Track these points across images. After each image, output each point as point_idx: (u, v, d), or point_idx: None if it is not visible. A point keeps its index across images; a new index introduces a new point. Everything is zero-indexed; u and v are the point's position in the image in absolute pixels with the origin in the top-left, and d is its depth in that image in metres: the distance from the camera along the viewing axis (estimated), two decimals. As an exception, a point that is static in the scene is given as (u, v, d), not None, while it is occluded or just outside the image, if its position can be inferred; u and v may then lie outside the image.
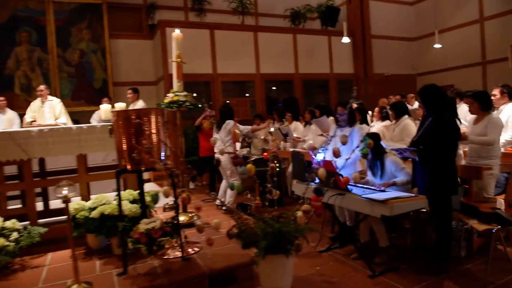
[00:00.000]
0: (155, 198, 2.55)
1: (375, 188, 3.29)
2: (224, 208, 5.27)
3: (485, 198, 3.42)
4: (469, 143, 3.77)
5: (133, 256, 2.74)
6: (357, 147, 3.58)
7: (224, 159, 5.12)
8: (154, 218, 2.49)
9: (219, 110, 5.28)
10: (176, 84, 3.68)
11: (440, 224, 3.06)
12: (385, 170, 3.52)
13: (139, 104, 6.71)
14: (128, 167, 2.48)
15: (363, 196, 2.94)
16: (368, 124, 5.41)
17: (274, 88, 10.98)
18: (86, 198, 3.26)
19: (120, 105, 3.83)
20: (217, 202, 5.43)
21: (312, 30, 10.61)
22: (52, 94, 7.08)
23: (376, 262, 3.36)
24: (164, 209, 4.30)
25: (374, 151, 3.45)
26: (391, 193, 2.96)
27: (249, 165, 2.33)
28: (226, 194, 5.24)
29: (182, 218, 3.60)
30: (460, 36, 10.64)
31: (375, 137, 3.52)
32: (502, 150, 4.25)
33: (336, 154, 2.85)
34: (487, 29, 10.10)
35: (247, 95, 10.15)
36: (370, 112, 6.78)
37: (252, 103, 9.98)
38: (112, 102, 8.88)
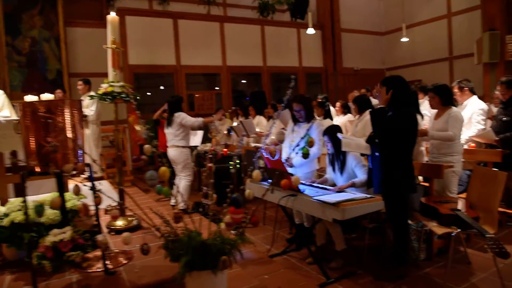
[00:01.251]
0: (38, 210, 2.15)
1: (331, 188, 3.04)
2: (179, 207, 4.98)
3: (447, 197, 3.24)
4: (429, 139, 3.58)
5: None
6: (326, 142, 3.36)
7: (174, 153, 4.78)
8: (67, 228, 2.12)
9: (167, 101, 4.89)
10: (111, 73, 3.29)
11: (396, 226, 2.85)
12: (346, 165, 3.28)
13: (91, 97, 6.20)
14: (37, 168, 2.11)
15: (314, 198, 2.67)
16: (331, 119, 5.18)
17: (244, 81, 10.69)
18: (4, 202, 2.85)
19: (46, 96, 3.39)
20: (172, 201, 5.10)
21: (280, 22, 10.32)
22: (0, 85, 6.51)
23: (332, 267, 3.14)
24: (106, 212, 3.93)
25: (335, 143, 3.21)
26: (345, 195, 2.71)
27: (162, 169, 1.98)
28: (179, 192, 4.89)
29: (120, 223, 3.24)
30: (428, 31, 10.62)
31: (336, 130, 3.28)
32: (465, 146, 4.11)
33: (272, 154, 2.57)
34: (454, 24, 10.11)
35: (217, 88, 9.76)
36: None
37: (219, 97, 9.63)
38: (66, 94, 8.32)
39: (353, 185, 3.11)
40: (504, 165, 3.81)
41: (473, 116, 4.19)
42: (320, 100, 6.57)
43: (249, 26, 9.85)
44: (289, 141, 3.80)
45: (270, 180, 3.30)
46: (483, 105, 4.19)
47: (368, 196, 2.69)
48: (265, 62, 10.09)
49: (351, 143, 2.85)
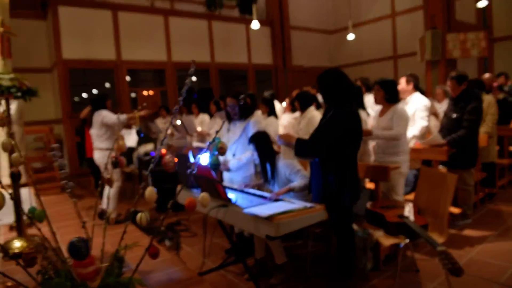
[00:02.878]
0: None
1: (267, 195, 2.70)
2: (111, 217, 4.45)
3: (393, 201, 3.02)
4: (374, 138, 3.36)
5: None
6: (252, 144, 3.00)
7: (98, 156, 4.24)
8: None
9: (90, 99, 4.34)
10: None
11: (339, 237, 2.56)
12: (279, 175, 2.95)
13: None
14: None
15: (245, 210, 2.31)
16: (276, 117, 4.88)
17: (196, 78, 10.16)
18: None
19: None
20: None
21: (228, 18, 9.93)
22: None
23: (271, 284, 2.80)
24: (11, 228, 3.34)
25: (261, 153, 2.86)
26: (281, 205, 2.38)
27: None
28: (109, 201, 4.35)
29: (18, 244, 2.69)
30: (374, 31, 10.75)
31: (262, 137, 2.94)
32: (411, 145, 3.96)
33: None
34: (398, 24, 10.30)
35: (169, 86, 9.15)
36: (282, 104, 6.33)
37: (164, 94, 9.05)
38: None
39: (291, 190, 2.79)
40: (450, 164, 3.70)
41: (416, 112, 4.06)
42: (265, 97, 6.27)
43: (195, 20, 9.36)
44: (225, 142, 3.42)
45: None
46: (426, 101, 4.08)
47: (308, 205, 2.37)
48: (213, 58, 9.66)
49: (290, 152, 2.53)
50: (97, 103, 4.32)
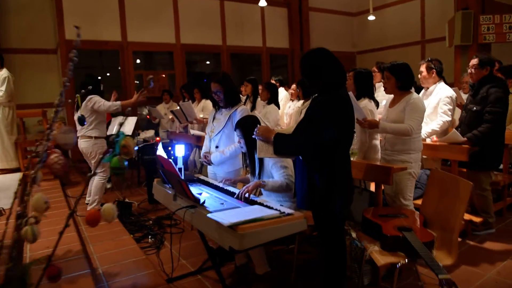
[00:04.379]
0: None
1: (238, 194, 2.29)
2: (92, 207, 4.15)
3: (397, 208, 2.54)
4: (381, 131, 2.87)
5: None
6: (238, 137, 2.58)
7: (85, 145, 3.93)
8: None
9: (81, 82, 4.01)
10: None
11: (328, 247, 2.13)
12: (264, 167, 2.53)
13: (1, 75, 5.25)
14: None
15: (209, 215, 1.91)
16: (278, 105, 4.43)
17: (208, 62, 9.80)
18: None
19: None
20: (87, 198, 4.27)
21: (242, -2, 9.40)
22: None
23: (248, 297, 2.42)
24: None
25: (248, 141, 2.42)
26: (254, 211, 1.96)
27: None
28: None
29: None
30: (400, 13, 9.97)
31: (250, 122, 2.51)
32: (428, 140, 3.43)
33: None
34: (427, 6, 9.48)
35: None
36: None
37: (172, 77, 8.71)
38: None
39: (261, 186, 2.37)
40: (471, 164, 3.17)
41: (440, 104, 3.51)
42: (273, 81, 5.82)
43: (206, 1, 8.88)
44: (209, 132, 3.03)
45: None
46: (450, 92, 3.52)
47: (285, 212, 1.94)
48: (225, 41, 9.19)
49: (268, 148, 2.07)
50: (87, 86, 3.99)
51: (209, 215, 1.91)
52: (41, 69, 8.04)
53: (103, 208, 1.28)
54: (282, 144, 2.01)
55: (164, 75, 8.59)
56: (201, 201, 2.13)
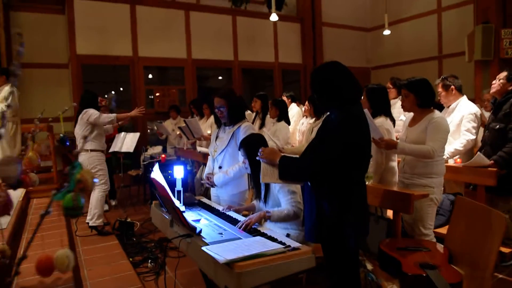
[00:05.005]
0: None
1: (240, 224, 2.06)
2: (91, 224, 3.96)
3: (417, 240, 2.28)
4: (399, 152, 2.62)
5: None
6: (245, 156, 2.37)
7: (83, 158, 3.83)
8: None
9: (80, 97, 3.97)
10: None
11: (338, 286, 1.87)
12: (270, 191, 2.30)
13: (6, 90, 5.18)
14: None
15: (204, 247, 1.69)
16: (288, 122, 4.22)
17: (214, 77, 9.68)
18: None
19: None
20: (87, 217, 4.10)
21: (255, 13, 9.32)
22: None
23: None
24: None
25: (253, 161, 2.20)
26: (256, 244, 1.72)
27: None
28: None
29: None
30: (416, 28, 9.75)
31: (255, 140, 2.30)
32: (451, 161, 3.16)
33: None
34: (444, 20, 9.23)
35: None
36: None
37: (182, 92, 8.61)
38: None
39: (267, 218, 2.13)
40: (499, 189, 2.88)
41: (463, 122, 3.26)
42: (284, 97, 5.63)
43: (218, 16, 8.84)
44: (212, 151, 2.83)
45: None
46: (474, 109, 3.26)
47: (290, 246, 1.71)
48: (237, 56, 9.09)
49: (273, 172, 1.85)
50: (85, 101, 3.94)
51: (204, 248, 1.69)
52: (52, 83, 8.05)
53: (57, 255, 1.08)
54: (287, 168, 1.79)
55: (174, 90, 8.48)
56: (198, 230, 1.91)
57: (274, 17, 5.76)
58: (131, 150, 4.86)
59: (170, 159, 5.34)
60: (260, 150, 1.92)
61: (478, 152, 2.99)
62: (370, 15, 10.85)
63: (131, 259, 3.42)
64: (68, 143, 3.03)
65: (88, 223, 3.96)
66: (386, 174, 2.82)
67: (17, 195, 4.59)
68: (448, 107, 3.34)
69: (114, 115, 3.85)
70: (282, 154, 1.85)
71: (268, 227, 2.19)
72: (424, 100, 2.60)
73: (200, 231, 1.91)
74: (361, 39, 11.02)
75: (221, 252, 1.61)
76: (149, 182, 4.68)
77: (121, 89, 8.51)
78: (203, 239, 1.85)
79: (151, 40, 8.04)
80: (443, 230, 2.67)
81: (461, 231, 1.99)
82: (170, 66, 8.61)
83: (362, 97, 2.92)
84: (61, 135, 2.95)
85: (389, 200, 2.27)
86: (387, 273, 1.96)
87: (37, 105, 7.57)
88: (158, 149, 6.22)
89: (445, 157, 3.04)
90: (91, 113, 3.81)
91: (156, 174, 2.18)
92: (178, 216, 1.97)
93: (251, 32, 9.24)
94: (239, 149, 2.36)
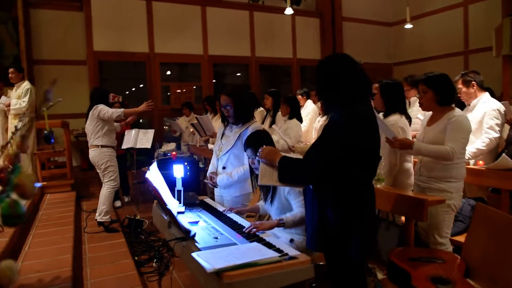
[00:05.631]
0: None
1: (247, 229, 1.94)
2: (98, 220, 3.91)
3: (431, 249, 2.10)
4: (415, 153, 2.44)
5: None
6: (249, 157, 2.25)
7: (93, 154, 3.84)
8: None
9: (90, 94, 3.96)
10: None
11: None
12: (277, 191, 2.17)
13: (23, 86, 5.25)
14: None
15: (193, 253, 1.58)
16: (301, 119, 4.06)
17: (237, 74, 9.59)
18: None
19: None
20: (97, 214, 4.06)
21: (272, 8, 9.15)
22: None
23: None
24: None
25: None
26: (251, 251, 1.59)
27: None
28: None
29: None
30: (441, 22, 9.34)
31: (262, 138, 2.17)
32: (471, 163, 2.94)
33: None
34: (471, 14, 8.79)
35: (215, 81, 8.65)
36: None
37: (199, 89, 8.56)
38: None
39: (281, 224, 1.99)
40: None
41: (485, 120, 3.02)
42: (298, 95, 5.47)
43: (235, 11, 8.71)
44: (216, 150, 2.71)
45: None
46: (497, 105, 3.03)
47: (288, 254, 1.57)
48: (254, 52, 8.96)
49: (273, 174, 1.71)
50: (95, 98, 3.93)
51: (194, 254, 1.58)
52: (71, 80, 8.14)
53: (1, 266, 0.98)
54: (287, 170, 1.65)
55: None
56: (192, 233, 1.80)
57: (289, 10, 5.60)
58: (149, 146, 4.84)
59: (182, 156, 5.27)
60: (259, 149, 1.79)
61: (504, 154, 2.76)
62: (392, 9, 10.49)
63: (136, 258, 3.36)
64: (52, 141, 2.96)
65: (96, 219, 3.93)
66: (400, 176, 2.63)
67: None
68: (469, 104, 3.11)
69: (121, 110, 3.80)
70: (283, 155, 1.72)
71: (272, 231, 2.06)
72: (444, 97, 2.40)
73: (194, 235, 1.80)
74: (383, 34, 10.66)
75: (211, 259, 1.50)
76: (164, 177, 4.61)
77: (141, 85, 8.54)
78: (196, 243, 1.74)
79: (167, 36, 8.02)
80: (462, 238, 2.47)
81: (481, 242, 1.80)
82: (187, 63, 8.57)
83: (376, 93, 2.75)
84: (46, 132, 2.88)
85: (401, 206, 2.10)
86: (396, 286, 1.80)
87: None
88: (172, 146, 6.18)
89: (466, 157, 2.83)
90: (101, 109, 3.79)
91: (153, 173, 2.09)
92: (172, 217, 1.87)
93: (269, 27, 9.08)
94: (245, 150, 2.23)
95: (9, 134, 5.27)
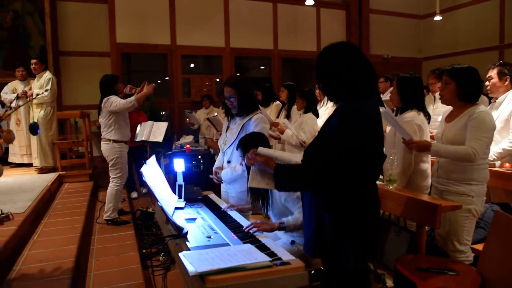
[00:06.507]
0: None
1: (247, 227, 1.84)
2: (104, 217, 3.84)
3: (443, 261, 1.92)
4: (433, 154, 2.25)
5: None
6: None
7: (104, 148, 3.78)
8: None
9: (100, 83, 3.85)
10: None
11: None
12: (273, 199, 2.05)
13: (45, 76, 5.34)
14: None
15: (180, 254, 1.49)
16: (317, 114, 3.90)
17: (261, 67, 9.48)
18: None
19: None
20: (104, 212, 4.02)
21: (297, 0, 8.93)
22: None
23: None
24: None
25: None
26: (242, 254, 1.49)
27: None
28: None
29: None
30: (474, 14, 8.85)
31: (255, 140, 2.05)
32: (497, 165, 2.72)
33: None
34: (508, 5, 8.27)
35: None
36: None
37: (220, 82, 8.49)
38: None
39: (281, 229, 1.88)
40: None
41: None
42: (318, 89, 5.27)
43: (258, 3, 8.57)
44: (221, 144, 2.62)
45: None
46: (526, 102, 2.78)
47: (280, 259, 1.46)
48: (276, 45, 8.80)
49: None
50: (104, 88, 3.80)
51: (180, 254, 1.49)
52: (95, 71, 8.25)
53: None
54: (282, 179, 1.53)
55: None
56: (184, 231, 1.72)
57: (310, 1, 5.40)
58: (160, 140, 4.75)
59: (197, 149, 5.22)
60: (249, 153, 1.67)
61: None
62: (423, 0, 10.02)
63: (144, 251, 3.34)
64: (38, 131, 2.92)
65: (104, 218, 3.88)
66: (415, 177, 2.45)
67: (47, 178, 4.72)
68: (495, 100, 2.87)
69: (133, 98, 3.67)
70: (276, 163, 1.59)
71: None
72: (466, 92, 2.21)
73: (186, 233, 1.72)
74: (412, 27, 10.22)
75: (197, 261, 1.40)
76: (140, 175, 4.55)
77: (167, 78, 8.56)
78: (186, 242, 1.65)
79: (189, 29, 7.99)
80: (479, 247, 2.28)
81: (499, 253, 1.62)
82: (208, 55, 8.52)
83: (392, 88, 2.57)
84: (31, 122, 2.85)
85: (413, 210, 1.93)
86: (402, 297, 1.65)
87: (81, 93, 7.85)
88: (189, 138, 6.15)
89: (491, 158, 2.61)
90: (112, 101, 3.67)
91: (150, 167, 2.02)
92: (165, 215, 1.79)
93: (293, 19, 8.88)
94: (237, 149, 2.13)
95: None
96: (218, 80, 8.59)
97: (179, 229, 1.72)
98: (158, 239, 3.68)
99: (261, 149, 1.76)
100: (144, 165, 2.06)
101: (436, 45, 9.84)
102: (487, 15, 8.56)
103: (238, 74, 8.61)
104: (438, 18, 7.49)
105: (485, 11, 8.60)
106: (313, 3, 5.70)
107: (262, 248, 1.60)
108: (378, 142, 1.48)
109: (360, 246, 1.45)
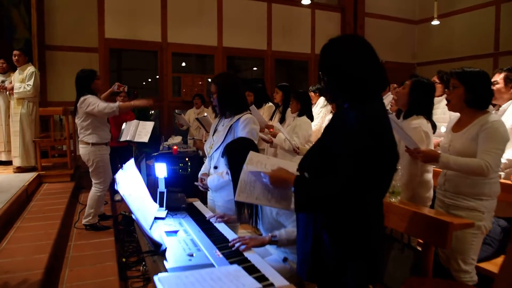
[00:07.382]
0: None
1: (233, 242, 1.63)
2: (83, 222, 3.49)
3: (450, 284, 1.73)
4: (441, 166, 2.07)
5: None
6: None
7: (82, 151, 3.49)
8: None
9: (75, 78, 3.59)
10: None
11: None
12: (264, 214, 1.85)
13: (28, 70, 5.06)
14: None
15: (156, 276, 1.28)
16: (311, 117, 3.71)
17: (255, 68, 9.29)
18: None
19: None
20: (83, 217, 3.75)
21: (292, 1, 8.77)
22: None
23: None
24: None
25: (236, 173, 1.74)
26: (223, 277, 1.28)
27: None
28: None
29: None
30: (470, 21, 8.79)
31: (241, 147, 1.84)
32: (502, 175, 2.56)
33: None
34: (503, 13, 8.22)
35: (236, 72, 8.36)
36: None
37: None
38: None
39: (273, 243, 1.67)
40: None
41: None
42: (311, 92, 5.11)
43: (253, 2, 8.38)
44: (207, 148, 2.41)
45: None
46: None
47: (273, 285, 1.25)
48: (270, 45, 8.61)
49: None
50: (81, 85, 3.51)
51: (155, 277, 1.28)
52: (82, 67, 7.97)
53: None
54: (307, 197, 1.27)
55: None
56: (162, 247, 1.50)
57: (306, 0, 5.22)
58: (146, 140, 4.49)
59: (185, 150, 4.99)
60: (262, 173, 1.42)
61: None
62: (419, 5, 9.96)
63: (124, 260, 3.10)
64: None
65: (82, 222, 3.62)
66: (419, 189, 2.26)
67: (25, 178, 4.45)
68: (498, 108, 2.72)
69: (116, 104, 3.41)
70: (296, 174, 1.35)
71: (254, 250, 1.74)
72: (476, 98, 2.03)
73: (165, 250, 1.50)
74: (407, 32, 10.13)
75: (174, 287, 1.19)
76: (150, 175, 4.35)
77: (157, 76, 8.32)
78: (164, 261, 1.44)
79: (181, 26, 7.76)
80: (489, 266, 2.10)
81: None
82: (200, 54, 8.30)
83: (404, 89, 2.38)
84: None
85: (419, 227, 1.74)
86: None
87: (67, 89, 7.54)
88: (178, 139, 5.91)
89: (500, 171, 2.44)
90: (90, 102, 3.37)
91: (126, 172, 1.79)
92: (140, 228, 1.57)
93: (287, 20, 8.71)
94: (222, 156, 1.92)
95: (11, 119, 5.11)
96: (209, 80, 8.37)
97: (157, 245, 1.51)
98: (139, 247, 3.45)
99: (252, 154, 1.55)
100: (120, 170, 1.83)
101: (430, 51, 9.76)
102: (483, 22, 8.50)
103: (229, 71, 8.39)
104: (435, 22, 7.39)
105: (480, 18, 8.55)
106: (309, 2, 5.51)
107: (251, 270, 1.39)
108: (391, 147, 1.27)
109: (363, 269, 1.25)
